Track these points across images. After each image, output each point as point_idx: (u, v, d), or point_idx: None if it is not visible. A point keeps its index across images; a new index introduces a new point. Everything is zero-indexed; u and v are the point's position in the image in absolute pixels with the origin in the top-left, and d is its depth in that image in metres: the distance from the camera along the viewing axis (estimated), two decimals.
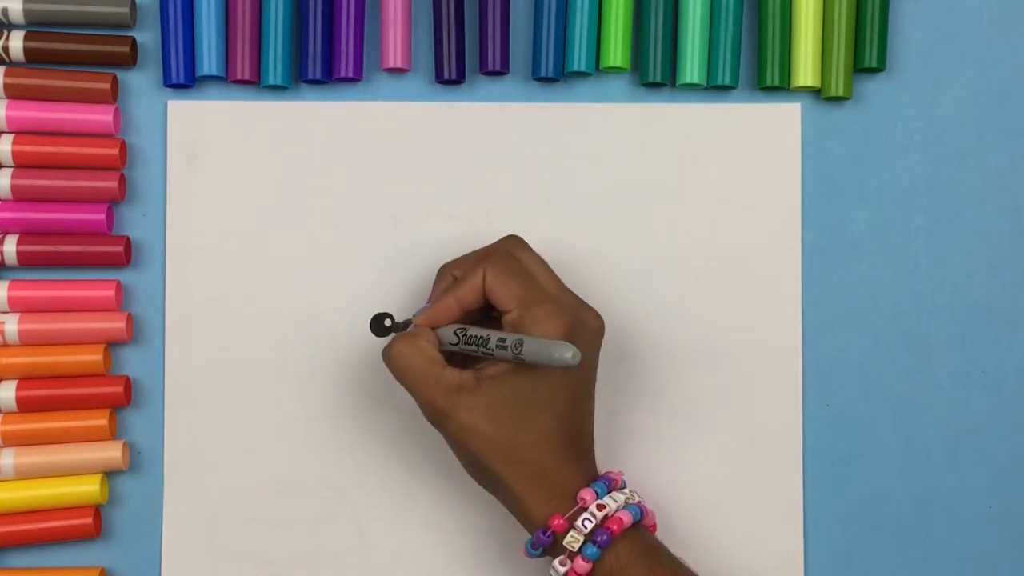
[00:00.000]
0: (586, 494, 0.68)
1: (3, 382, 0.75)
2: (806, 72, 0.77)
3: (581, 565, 0.67)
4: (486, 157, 0.78)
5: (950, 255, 0.79)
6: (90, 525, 0.75)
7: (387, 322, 0.73)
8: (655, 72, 0.77)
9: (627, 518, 0.68)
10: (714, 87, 0.78)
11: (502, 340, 0.67)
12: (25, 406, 0.75)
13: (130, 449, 0.77)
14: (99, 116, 0.76)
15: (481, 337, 0.69)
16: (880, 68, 0.78)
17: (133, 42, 0.77)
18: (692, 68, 0.77)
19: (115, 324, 0.76)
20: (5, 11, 0.76)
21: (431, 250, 0.78)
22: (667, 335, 0.78)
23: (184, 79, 0.77)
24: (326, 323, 0.78)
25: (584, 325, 0.70)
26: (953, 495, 0.78)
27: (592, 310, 0.71)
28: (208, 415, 0.77)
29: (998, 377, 0.79)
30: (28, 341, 0.76)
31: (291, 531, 0.77)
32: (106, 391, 0.76)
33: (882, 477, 0.78)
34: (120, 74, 0.78)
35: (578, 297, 0.72)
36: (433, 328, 0.71)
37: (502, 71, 0.77)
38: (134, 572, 0.77)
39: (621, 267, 0.78)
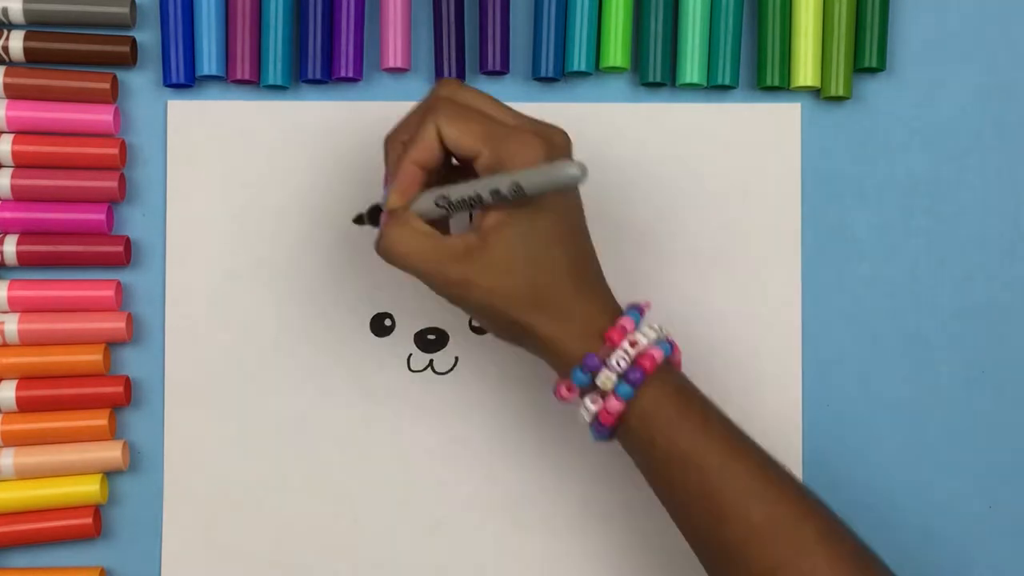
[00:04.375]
0: (625, 323, 0.66)
1: (3, 382, 0.75)
2: (806, 72, 0.77)
3: (614, 404, 0.65)
4: None
5: (950, 255, 0.79)
6: (90, 525, 0.76)
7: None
8: (655, 72, 0.77)
9: (659, 355, 0.66)
10: (714, 87, 0.78)
11: (495, 191, 0.64)
12: (25, 406, 0.75)
13: (130, 449, 0.77)
14: (99, 116, 0.76)
15: (470, 197, 0.65)
16: (880, 68, 0.78)
17: (133, 42, 0.77)
18: (692, 68, 0.77)
19: (115, 324, 0.76)
20: (5, 11, 0.76)
21: None
22: None
23: (184, 79, 0.77)
24: (326, 323, 0.78)
25: (555, 144, 0.66)
26: (953, 495, 0.78)
27: (552, 126, 0.67)
28: (208, 415, 0.77)
29: (998, 377, 0.79)
30: (28, 341, 0.76)
31: (291, 531, 0.77)
32: (106, 391, 0.76)
33: (882, 477, 0.78)
34: (120, 74, 0.78)
35: (534, 118, 0.68)
36: (408, 203, 0.67)
37: (502, 71, 0.77)
38: (134, 572, 0.77)
39: (621, 267, 0.78)
